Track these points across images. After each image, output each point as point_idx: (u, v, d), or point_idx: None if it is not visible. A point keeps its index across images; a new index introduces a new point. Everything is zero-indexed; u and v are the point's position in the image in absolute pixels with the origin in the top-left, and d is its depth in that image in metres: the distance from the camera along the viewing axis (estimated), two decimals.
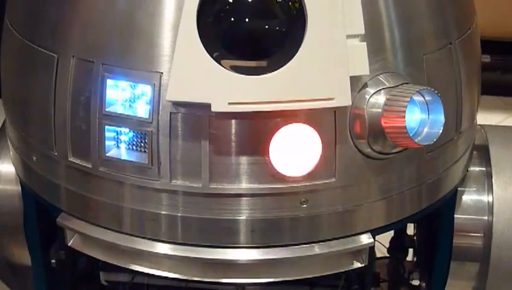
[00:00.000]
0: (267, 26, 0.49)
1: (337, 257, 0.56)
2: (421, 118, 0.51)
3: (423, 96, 0.50)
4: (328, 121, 0.51)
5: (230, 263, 0.54)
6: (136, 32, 0.50)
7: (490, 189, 0.64)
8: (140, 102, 0.51)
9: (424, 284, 0.69)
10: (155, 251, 0.54)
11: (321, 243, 0.54)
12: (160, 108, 0.50)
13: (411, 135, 0.49)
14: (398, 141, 0.50)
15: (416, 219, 0.62)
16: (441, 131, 0.50)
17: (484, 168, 0.66)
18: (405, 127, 0.49)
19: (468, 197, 0.65)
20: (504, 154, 0.66)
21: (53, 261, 0.68)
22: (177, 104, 0.50)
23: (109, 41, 0.51)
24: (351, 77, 0.49)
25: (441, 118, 0.50)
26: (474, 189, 0.65)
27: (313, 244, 0.54)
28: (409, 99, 0.49)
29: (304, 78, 0.48)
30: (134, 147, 0.52)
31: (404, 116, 0.49)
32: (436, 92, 0.50)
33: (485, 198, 0.64)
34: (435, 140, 0.50)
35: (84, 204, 0.56)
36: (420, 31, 0.55)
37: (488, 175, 0.65)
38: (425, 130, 0.51)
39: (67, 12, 0.54)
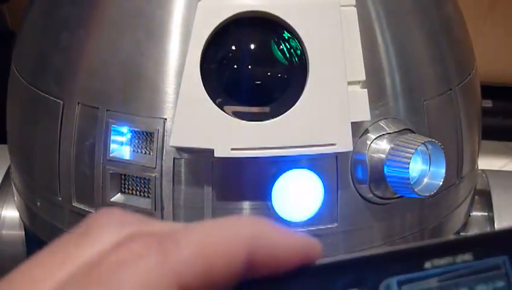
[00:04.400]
0: (269, 73, 0.49)
1: None
2: (422, 169, 0.51)
3: (426, 148, 0.51)
4: (329, 167, 0.51)
5: None
6: (140, 79, 0.51)
7: None
8: (144, 148, 0.52)
9: None
10: None
11: None
12: (164, 154, 0.51)
13: (411, 183, 0.50)
14: (398, 190, 0.51)
15: None
16: (441, 183, 0.51)
17: (486, 213, 0.66)
18: (408, 178, 0.49)
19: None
20: (506, 199, 0.66)
21: None
22: (180, 149, 0.50)
23: (114, 88, 0.52)
24: (352, 123, 0.49)
25: (442, 171, 0.51)
26: None
27: None
28: (413, 151, 0.49)
29: (305, 124, 0.48)
30: (137, 192, 0.53)
31: (408, 168, 0.49)
32: (440, 144, 0.50)
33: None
34: (434, 191, 0.51)
35: None
36: (420, 78, 0.56)
37: (490, 220, 0.65)
38: (426, 180, 0.51)
39: (72, 59, 0.54)
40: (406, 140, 0.50)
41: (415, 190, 0.50)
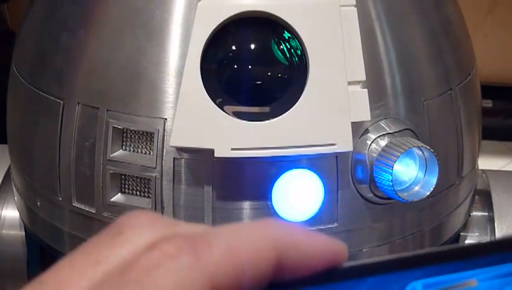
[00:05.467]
0: (269, 73, 0.49)
1: None
2: (417, 175, 0.51)
3: (423, 153, 0.51)
4: (330, 167, 0.51)
5: None
6: (141, 79, 0.51)
7: (493, 234, 0.64)
8: (144, 148, 0.52)
9: None
10: None
11: None
12: (164, 154, 0.51)
13: (398, 189, 0.50)
14: (384, 191, 0.51)
15: None
16: (428, 193, 0.51)
17: (486, 213, 0.66)
18: (391, 181, 0.49)
19: (471, 242, 0.65)
20: (506, 199, 0.66)
21: None
22: (180, 149, 0.50)
23: (114, 88, 0.52)
24: (352, 123, 0.49)
25: (434, 180, 0.51)
26: (476, 234, 0.65)
27: None
28: (399, 154, 0.49)
29: (305, 124, 0.48)
30: (137, 192, 0.53)
31: (390, 171, 0.49)
32: (433, 151, 0.50)
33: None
34: (417, 199, 0.51)
35: None
36: (421, 77, 0.56)
37: (491, 220, 0.65)
38: (416, 188, 0.51)
39: (72, 59, 0.54)
40: (397, 143, 0.50)
41: (399, 194, 0.50)
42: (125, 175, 0.52)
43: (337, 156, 0.51)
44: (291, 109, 0.48)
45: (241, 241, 0.22)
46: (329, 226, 0.52)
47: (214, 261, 0.21)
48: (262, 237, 0.22)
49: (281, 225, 0.23)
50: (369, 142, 0.51)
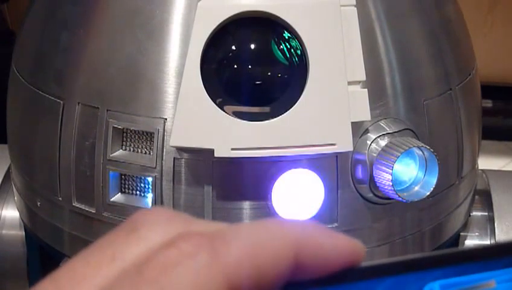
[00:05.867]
0: (269, 73, 0.49)
1: None
2: (417, 175, 0.51)
3: (423, 153, 0.51)
4: (330, 166, 0.51)
5: None
6: (140, 79, 0.51)
7: (493, 234, 0.64)
8: (144, 148, 0.52)
9: None
10: None
11: None
12: (164, 154, 0.51)
13: (398, 189, 0.50)
14: (384, 191, 0.51)
15: None
16: (428, 193, 0.51)
17: (486, 213, 0.66)
18: (391, 180, 0.49)
19: (471, 242, 0.65)
20: (506, 199, 0.66)
21: None
22: (180, 149, 0.50)
23: (114, 88, 0.52)
24: (352, 123, 0.49)
25: (434, 180, 0.51)
26: (476, 234, 0.65)
27: None
28: (399, 154, 0.49)
29: (306, 124, 0.48)
30: (137, 192, 0.53)
31: (390, 171, 0.49)
32: (433, 151, 0.50)
33: (488, 243, 0.64)
34: (416, 199, 0.51)
35: None
36: (421, 77, 0.56)
37: (491, 220, 0.65)
38: (416, 188, 0.51)
39: (72, 59, 0.54)
40: (397, 143, 0.50)
41: (399, 194, 0.50)
42: (125, 175, 0.52)
43: (337, 156, 0.51)
44: (291, 109, 0.48)
45: (260, 240, 0.22)
46: (329, 226, 0.52)
47: (232, 260, 0.21)
48: (280, 236, 0.22)
49: (299, 223, 0.23)
50: (369, 142, 0.52)
